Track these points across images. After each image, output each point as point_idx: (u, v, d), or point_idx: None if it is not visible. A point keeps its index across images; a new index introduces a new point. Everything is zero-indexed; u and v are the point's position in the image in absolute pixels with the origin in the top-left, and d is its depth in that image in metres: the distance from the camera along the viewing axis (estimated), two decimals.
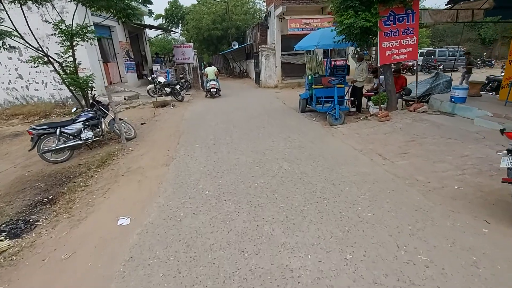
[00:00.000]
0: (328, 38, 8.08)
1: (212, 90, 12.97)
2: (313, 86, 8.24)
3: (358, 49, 8.39)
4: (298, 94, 9.95)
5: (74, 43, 7.07)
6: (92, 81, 7.18)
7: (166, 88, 11.79)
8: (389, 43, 7.03)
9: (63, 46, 6.94)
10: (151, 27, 15.73)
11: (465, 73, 12.73)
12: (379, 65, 7.27)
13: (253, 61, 20.96)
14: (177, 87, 11.57)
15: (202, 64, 18.43)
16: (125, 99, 11.45)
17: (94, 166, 5.53)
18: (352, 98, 8.59)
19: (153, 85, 12.24)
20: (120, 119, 7.16)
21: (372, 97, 7.70)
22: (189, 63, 17.15)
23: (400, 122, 6.76)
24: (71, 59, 6.97)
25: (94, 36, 7.05)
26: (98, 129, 6.77)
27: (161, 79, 11.92)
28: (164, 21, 29.67)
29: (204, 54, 31.06)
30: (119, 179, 4.76)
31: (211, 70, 13.41)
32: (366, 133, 6.30)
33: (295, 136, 6.40)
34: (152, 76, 12.07)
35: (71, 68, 6.95)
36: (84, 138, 6.39)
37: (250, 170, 4.66)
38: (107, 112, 7.01)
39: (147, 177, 4.73)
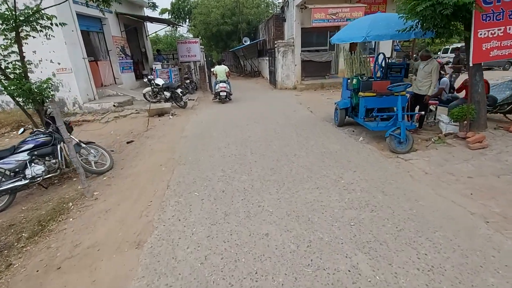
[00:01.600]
0: (383, 26, 5.66)
1: (221, 94, 10.60)
2: (360, 93, 5.82)
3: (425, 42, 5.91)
4: (324, 97, 7.59)
5: (23, 34, 4.79)
6: (50, 88, 4.90)
7: (165, 92, 9.51)
8: (488, 31, 4.55)
9: (6, 39, 4.66)
10: (149, 18, 13.42)
11: (452, 73, 10.25)
12: (471, 64, 4.80)
13: (266, 58, 18.53)
14: (179, 91, 9.28)
15: (211, 62, 16.20)
16: (114, 105, 9.22)
17: (28, 232, 3.29)
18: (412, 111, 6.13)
19: (150, 88, 9.99)
20: (88, 143, 4.91)
21: (452, 110, 5.25)
22: (195, 61, 14.85)
23: (508, 151, 4.30)
24: (15, 57, 4.69)
25: (53, 24, 4.80)
26: (54, 160, 4.53)
27: (159, 81, 9.64)
28: (170, 16, 27.40)
29: (212, 51, 28.72)
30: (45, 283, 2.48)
31: (221, 70, 11.05)
32: (465, 174, 3.86)
33: (349, 176, 4.01)
34: (149, 77, 9.82)
35: (17, 72, 4.67)
36: (30, 176, 4.19)
37: (297, 274, 2.31)
38: (69, 133, 4.75)
39: (95, 282, 2.44)
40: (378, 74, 6.68)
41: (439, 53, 21.73)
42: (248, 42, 21.03)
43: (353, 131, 6.39)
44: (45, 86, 4.92)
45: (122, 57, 12.15)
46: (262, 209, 3.28)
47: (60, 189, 4.61)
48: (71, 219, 3.57)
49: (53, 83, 5.24)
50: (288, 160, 4.74)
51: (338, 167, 4.33)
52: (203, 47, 15.39)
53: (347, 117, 6.69)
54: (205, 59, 14.53)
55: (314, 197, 3.49)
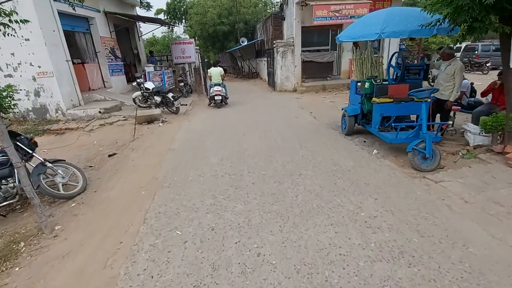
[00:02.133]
0: (400, 21, 4.87)
1: (216, 98, 9.76)
2: (374, 99, 5.01)
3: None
4: (327, 100, 6.80)
5: None
6: (11, 97, 4.07)
7: (155, 97, 8.68)
8: None
9: None
10: (140, 18, 12.57)
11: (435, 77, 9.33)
12: (511, 66, 4.00)
13: (264, 59, 17.72)
14: (170, 95, 8.46)
15: (208, 63, 15.36)
16: (100, 112, 8.38)
17: None
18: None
19: (140, 92, 9.16)
20: (56, 161, 4.11)
21: (483, 119, 4.44)
22: (190, 62, 14.02)
23: None
24: None
25: (12, 21, 3.98)
26: (12, 185, 3.72)
27: (149, 85, 8.82)
28: (166, 17, 26.54)
29: (209, 52, 27.89)
30: None
31: (216, 72, 10.23)
32: None
33: (370, 206, 3.20)
34: (138, 81, 8.99)
35: None
36: None
37: None
38: (31, 152, 3.95)
39: None
40: (392, 75, 5.87)
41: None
42: (246, 43, 20.22)
43: (364, 141, 5.58)
44: (4, 94, 4.09)
45: (112, 59, 11.31)
46: (262, 260, 2.46)
47: (20, 218, 3.79)
48: (17, 268, 2.75)
49: (14, 91, 4.40)
50: (292, 181, 3.93)
51: (354, 192, 3.52)
52: (198, 48, 14.56)
53: (356, 124, 5.90)
54: (200, 61, 13.72)
55: (329, 239, 2.67)
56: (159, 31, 31.54)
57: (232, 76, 23.69)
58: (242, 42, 20.35)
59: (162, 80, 12.24)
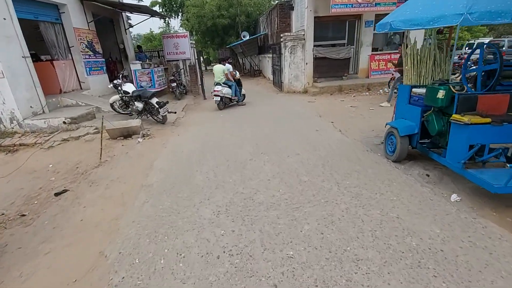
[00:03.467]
0: None
1: (215, 99, 8.46)
2: (455, 116, 3.16)
3: None
4: (346, 105, 5.09)
5: None
6: None
7: (136, 103, 6.81)
8: None
9: None
10: (123, 6, 10.54)
11: (399, 79, 7.73)
12: None
13: (268, 56, 15.82)
14: (154, 101, 6.58)
15: (207, 59, 13.55)
16: (65, 122, 6.53)
17: None
18: None
19: (118, 96, 7.30)
20: None
21: None
22: (184, 59, 12.12)
23: None
24: None
25: None
26: None
27: (128, 88, 6.95)
28: (161, 9, 24.51)
29: (208, 48, 25.91)
30: None
31: (218, 70, 8.79)
32: None
33: None
34: (115, 82, 7.10)
35: None
36: None
37: None
38: None
39: None
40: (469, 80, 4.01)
41: (463, 49, 19.00)
42: (248, 37, 18.28)
43: (427, 175, 3.74)
44: None
45: (90, 55, 9.42)
46: None
47: None
48: None
49: None
50: (346, 276, 2.09)
51: None
52: (193, 42, 12.63)
53: (410, 146, 4.08)
54: (196, 57, 11.82)
55: None
56: (156, 26, 29.58)
57: None
58: (243, 37, 18.43)
59: (151, 80, 10.36)
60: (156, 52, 14.05)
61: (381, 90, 10.62)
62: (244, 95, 9.56)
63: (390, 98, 8.22)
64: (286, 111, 8.04)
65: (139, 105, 6.72)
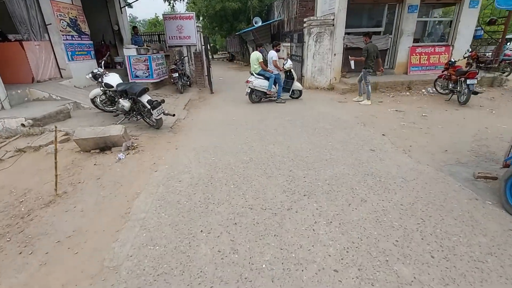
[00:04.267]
0: None
1: (246, 89, 7.52)
2: None
3: None
4: (389, 108, 4.37)
5: None
6: None
7: (121, 101, 5.02)
8: None
9: None
10: None
11: (366, 73, 7.04)
12: None
13: (283, 44, 13.87)
14: (144, 99, 4.78)
15: (213, 47, 11.67)
16: (24, 125, 4.80)
17: None
18: None
19: (99, 89, 5.53)
20: None
21: None
22: (189, 44, 10.25)
23: None
24: None
25: None
26: None
27: (111, 80, 5.17)
28: None
29: (215, 34, 23.86)
30: None
31: (252, 58, 7.49)
32: None
33: None
34: (94, 71, 5.30)
35: None
36: None
37: None
38: None
39: None
40: None
41: (508, 44, 16.70)
42: (260, 23, 16.26)
43: None
44: None
45: (73, 36, 7.60)
46: None
47: None
48: None
49: None
50: None
51: None
52: (200, 26, 10.72)
53: None
54: (203, 43, 9.96)
55: None
56: (162, 11, 27.41)
57: (242, 64, 19.84)
58: (255, 23, 16.43)
59: (148, 69, 8.56)
60: (156, 35, 12.15)
61: (424, 90, 8.75)
62: (299, 91, 7.88)
63: (369, 94, 7.27)
64: (317, 115, 6.22)
65: (125, 103, 4.94)
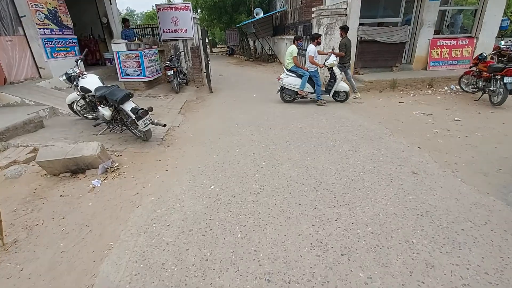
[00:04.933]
0: None
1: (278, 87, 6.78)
2: None
3: None
4: (413, 109, 4.77)
5: None
6: None
7: (101, 109, 4.09)
8: None
9: None
10: None
11: (343, 68, 6.68)
12: None
13: (286, 37, 12.86)
14: (128, 107, 3.84)
15: (212, 41, 10.61)
16: None
17: None
18: None
19: (76, 93, 4.59)
20: None
21: None
22: (185, 38, 9.26)
23: None
24: None
25: None
26: None
27: (87, 83, 4.22)
28: None
29: (214, 27, 22.71)
30: None
31: (287, 52, 6.70)
32: None
33: None
34: (68, 72, 4.36)
35: None
36: None
37: None
38: None
39: None
40: None
41: None
42: (261, 15, 15.18)
43: None
44: None
45: (53, 30, 6.63)
46: None
47: None
48: None
49: None
50: None
51: None
52: (197, 17, 9.70)
53: None
54: (200, 37, 8.98)
55: None
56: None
57: (242, 59, 18.78)
58: (256, 15, 15.34)
59: (140, 66, 7.60)
60: (150, 29, 11.10)
61: (446, 87, 7.81)
62: (345, 93, 6.62)
63: (355, 86, 6.96)
64: (333, 120, 5.30)
65: (105, 112, 4.01)
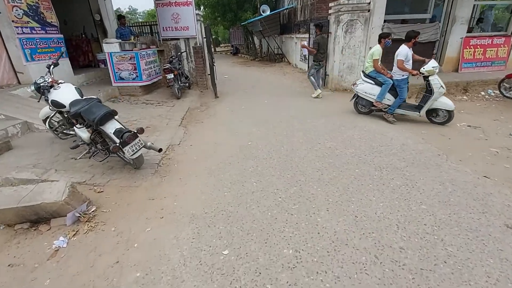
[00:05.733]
0: None
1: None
2: None
3: None
4: (463, 127, 3.99)
5: None
6: None
7: (77, 130, 3.11)
8: None
9: None
10: None
11: (313, 66, 6.73)
12: None
13: (296, 36, 11.85)
14: (109, 129, 2.87)
15: (216, 39, 9.61)
16: None
17: None
18: None
19: (49, 108, 3.60)
20: None
21: None
22: (187, 37, 8.27)
23: None
24: None
25: None
26: None
27: (61, 96, 3.23)
28: None
29: (217, 25, 21.66)
30: None
31: (369, 53, 5.30)
32: None
33: None
34: (37, 81, 3.39)
35: None
36: None
37: None
38: None
39: None
40: None
41: None
42: (268, 12, 14.13)
43: None
44: None
45: (33, 28, 5.67)
46: None
47: None
48: None
49: None
50: None
51: None
52: (200, 14, 8.70)
53: None
54: (204, 35, 7.98)
55: None
56: None
57: (247, 58, 17.77)
58: (263, 12, 14.27)
59: (136, 69, 6.63)
60: (148, 27, 10.07)
61: (483, 93, 6.79)
62: (447, 112, 4.72)
63: (316, 85, 6.88)
64: (367, 137, 4.30)
65: (82, 134, 3.05)
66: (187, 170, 3.44)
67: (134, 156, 2.97)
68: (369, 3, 6.80)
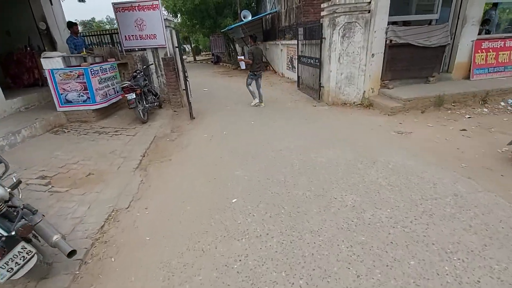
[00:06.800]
0: None
1: None
2: None
3: None
4: (500, 151, 2.55)
5: None
6: None
7: None
8: None
9: None
10: None
11: (250, 76, 6.48)
12: None
13: (282, 42, 10.69)
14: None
15: (196, 48, 8.09)
16: None
17: None
18: None
19: None
20: None
21: None
22: (155, 47, 6.85)
23: None
24: None
25: None
26: None
27: None
28: None
29: (196, 33, 20.25)
30: None
31: None
32: None
33: None
34: None
35: None
36: None
37: None
38: None
39: None
40: None
41: None
42: (250, 18, 12.94)
43: None
44: None
45: None
46: None
47: None
48: None
49: None
50: None
51: None
52: (171, 20, 7.32)
53: None
54: (176, 44, 6.60)
55: None
56: None
57: (229, 67, 16.49)
58: (244, 18, 13.08)
59: (86, 89, 5.14)
60: (108, 36, 8.56)
61: (503, 103, 5.78)
62: None
63: (255, 94, 6.78)
64: (400, 183, 3.03)
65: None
66: (130, 267, 2.03)
67: (17, 276, 1.55)
68: (370, 2, 5.68)
